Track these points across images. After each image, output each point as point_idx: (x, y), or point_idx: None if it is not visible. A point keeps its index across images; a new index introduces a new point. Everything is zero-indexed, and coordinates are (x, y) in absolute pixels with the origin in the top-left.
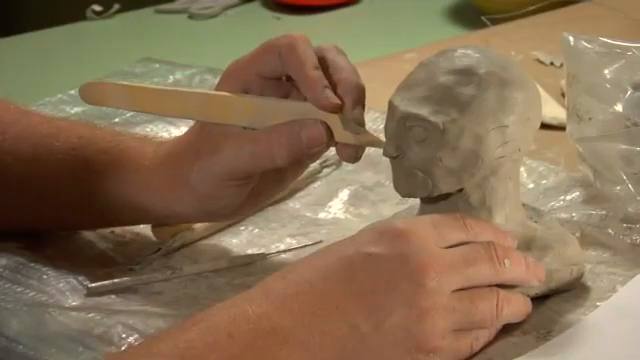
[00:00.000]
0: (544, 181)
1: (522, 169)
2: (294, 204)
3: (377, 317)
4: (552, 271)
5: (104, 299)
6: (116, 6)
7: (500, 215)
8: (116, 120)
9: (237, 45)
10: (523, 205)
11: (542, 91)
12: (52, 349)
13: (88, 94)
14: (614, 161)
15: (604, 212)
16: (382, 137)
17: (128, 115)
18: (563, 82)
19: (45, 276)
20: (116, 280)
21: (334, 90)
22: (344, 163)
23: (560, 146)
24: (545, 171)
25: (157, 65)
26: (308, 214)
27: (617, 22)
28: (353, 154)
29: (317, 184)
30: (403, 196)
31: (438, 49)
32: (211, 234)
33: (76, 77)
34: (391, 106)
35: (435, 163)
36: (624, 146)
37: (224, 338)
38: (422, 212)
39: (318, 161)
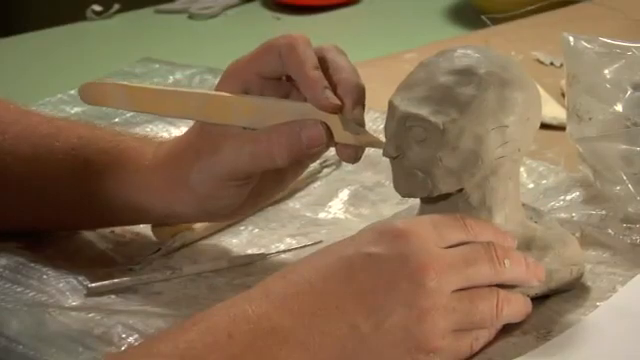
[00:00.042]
0: (544, 181)
1: (522, 169)
2: (294, 204)
3: (377, 317)
4: (552, 271)
5: (104, 299)
6: (116, 6)
7: (500, 215)
8: (116, 120)
9: (237, 45)
10: (523, 205)
11: (542, 91)
12: (52, 349)
13: (88, 94)
14: (614, 161)
15: (604, 212)
16: (382, 137)
17: (128, 115)
18: (563, 82)
19: (45, 276)
20: (116, 280)
21: (334, 90)
22: (344, 163)
23: (560, 146)
24: (545, 171)
25: (157, 65)
26: (308, 214)
27: (617, 22)
28: (353, 154)
29: (317, 184)
30: (403, 196)
31: (438, 49)
32: (211, 234)
33: (76, 77)
34: (391, 106)
35: (435, 163)
36: (624, 146)
37: (224, 338)
38: (422, 212)
39: (318, 161)
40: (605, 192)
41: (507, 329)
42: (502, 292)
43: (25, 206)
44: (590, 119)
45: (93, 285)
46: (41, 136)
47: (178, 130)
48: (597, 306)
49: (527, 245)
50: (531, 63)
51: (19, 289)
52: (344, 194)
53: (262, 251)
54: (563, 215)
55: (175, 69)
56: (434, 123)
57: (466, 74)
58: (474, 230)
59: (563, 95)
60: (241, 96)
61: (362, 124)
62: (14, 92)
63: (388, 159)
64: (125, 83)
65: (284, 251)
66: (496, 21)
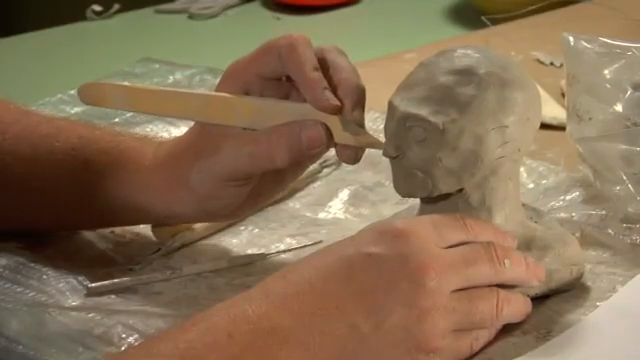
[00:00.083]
0: (544, 181)
1: (522, 169)
2: (294, 204)
3: (377, 317)
4: (552, 271)
5: (104, 299)
6: (116, 6)
7: (500, 215)
8: (116, 120)
9: (237, 45)
10: (523, 205)
11: (542, 91)
12: (52, 349)
13: (87, 95)
14: (614, 161)
15: (604, 212)
16: (382, 137)
17: (128, 115)
18: (563, 82)
19: (45, 276)
20: (116, 280)
21: (334, 91)
22: (344, 163)
23: (560, 146)
24: (545, 171)
25: (157, 65)
26: (308, 214)
27: (617, 22)
28: (353, 155)
29: (317, 184)
30: (403, 196)
31: (438, 49)
32: (211, 234)
33: (76, 77)
34: (391, 106)
35: (435, 163)
36: (624, 146)
37: (224, 338)
38: (422, 212)
39: (318, 161)
40: (605, 192)
41: (507, 329)
42: (502, 292)
43: (25, 206)
44: (590, 119)
45: (93, 285)
46: (41, 136)
47: (178, 130)
48: (597, 306)
49: (527, 245)
50: (531, 63)
51: (19, 289)
52: (344, 194)
53: (262, 251)
54: (563, 215)
55: (175, 69)
56: (434, 123)
57: (466, 74)
58: (474, 230)
59: (563, 95)
60: (241, 97)
61: (362, 125)
62: (14, 92)
63: (388, 159)
64: (124, 84)
65: (284, 251)
66: (496, 21)
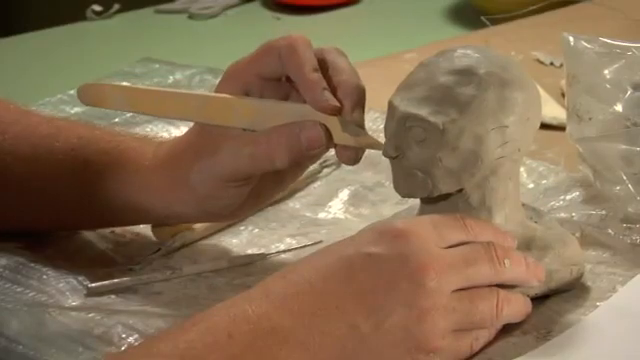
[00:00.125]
0: (544, 181)
1: (522, 169)
2: (294, 204)
3: (377, 317)
4: (552, 271)
5: (104, 299)
6: (116, 6)
7: (500, 215)
8: (116, 120)
9: (237, 45)
10: (523, 205)
11: (542, 91)
12: (52, 349)
13: (86, 95)
14: (614, 161)
15: (604, 212)
16: (382, 137)
17: (128, 115)
18: (563, 82)
19: (45, 276)
20: (116, 280)
21: (334, 92)
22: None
23: (560, 146)
24: (545, 171)
25: (157, 65)
26: (308, 214)
27: (617, 22)
28: (352, 156)
29: (317, 184)
30: (403, 196)
31: (438, 49)
32: (211, 234)
33: (76, 77)
34: (391, 106)
35: (435, 163)
36: (624, 146)
37: (224, 338)
38: (422, 212)
39: (318, 161)
40: (605, 192)
41: (507, 329)
42: (502, 292)
43: (25, 206)
44: (590, 119)
45: (93, 285)
46: (41, 136)
47: (178, 130)
48: (597, 306)
49: (527, 245)
50: (531, 63)
51: (19, 289)
52: (344, 194)
53: (262, 251)
54: (563, 215)
55: (175, 69)
56: (434, 123)
57: (466, 74)
58: (474, 230)
59: (563, 95)
60: (241, 97)
61: (362, 126)
62: (14, 92)
63: (388, 159)
64: (124, 84)
65: (284, 251)
66: (496, 21)
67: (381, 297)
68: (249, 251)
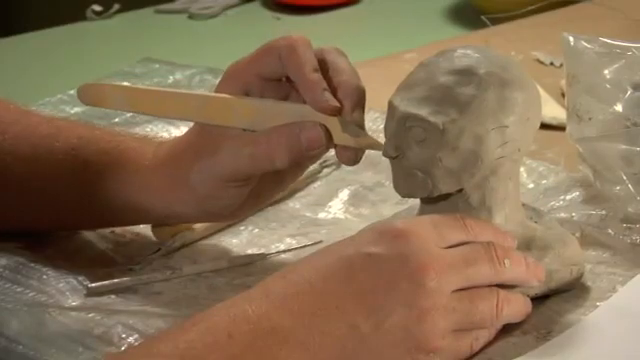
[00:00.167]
0: (544, 181)
1: (522, 169)
2: (294, 204)
3: (377, 317)
4: (552, 271)
5: (104, 299)
6: (116, 6)
7: (500, 215)
8: (116, 120)
9: (237, 45)
10: (523, 205)
11: (542, 91)
12: (52, 349)
13: (86, 95)
14: (614, 161)
15: (604, 212)
16: (382, 137)
17: (128, 115)
18: (563, 82)
19: (45, 276)
20: (116, 280)
21: (334, 93)
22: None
23: (560, 146)
24: (545, 171)
25: (157, 65)
26: (308, 214)
27: (617, 22)
28: (352, 157)
29: (317, 184)
30: (403, 196)
31: (438, 49)
32: (211, 234)
33: (76, 77)
34: (391, 106)
35: (435, 163)
36: (624, 146)
37: (224, 338)
38: (422, 212)
39: (318, 161)
40: (605, 192)
41: (507, 329)
42: (502, 292)
43: (25, 206)
44: (590, 119)
45: (93, 285)
46: (41, 136)
47: (178, 130)
48: (597, 306)
49: (527, 245)
50: (531, 63)
51: (19, 289)
52: (344, 194)
53: (262, 251)
54: (563, 215)
55: (175, 69)
56: (434, 123)
57: (466, 74)
58: (474, 230)
59: (563, 95)
60: (241, 98)
61: (362, 126)
62: (14, 92)
63: (388, 159)
64: (124, 84)
65: (284, 251)
66: (496, 21)
67: (381, 297)
68: (249, 251)
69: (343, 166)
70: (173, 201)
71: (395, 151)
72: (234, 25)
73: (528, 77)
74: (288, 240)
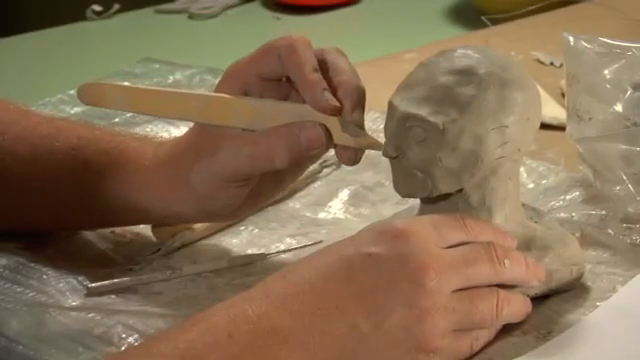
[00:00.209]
0: (544, 181)
1: (522, 169)
2: (294, 204)
3: (377, 317)
4: (552, 271)
5: (104, 299)
6: (116, 6)
7: (500, 215)
8: (116, 120)
9: (237, 45)
10: (523, 205)
11: (542, 91)
12: (52, 349)
13: (86, 95)
14: (614, 161)
15: (604, 212)
16: (382, 137)
17: (128, 115)
18: (563, 82)
19: (45, 276)
20: (116, 280)
21: (334, 93)
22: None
23: (560, 146)
24: (545, 171)
25: (157, 65)
26: (308, 214)
27: (617, 22)
28: (352, 157)
29: (317, 184)
30: (403, 196)
31: (438, 49)
32: (211, 234)
33: (76, 77)
34: (391, 106)
35: (435, 163)
36: (624, 146)
37: (224, 338)
38: (422, 212)
39: (318, 161)
40: (605, 192)
41: (507, 329)
42: (502, 292)
43: (25, 206)
44: (590, 119)
45: (93, 285)
46: (41, 136)
47: (178, 130)
48: (597, 306)
49: (527, 245)
50: (531, 63)
51: (19, 289)
52: (344, 194)
53: (262, 251)
54: (563, 215)
55: (175, 69)
56: (434, 123)
57: (466, 74)
58: (474, 230)
59: (563, 95)
60: (241, 98)
61: (362, 126)
62: (14, 92)
63: (388, 159)
64: (124, 84)
65: (284, 251)
66: (496, 21)
67: (381, 297)
68: (249, 251)
69: (343, 166)
70: (173, 201)
71: (395, 151)
72: (234, 25)
73: (528, 77)
74: (288, 240)
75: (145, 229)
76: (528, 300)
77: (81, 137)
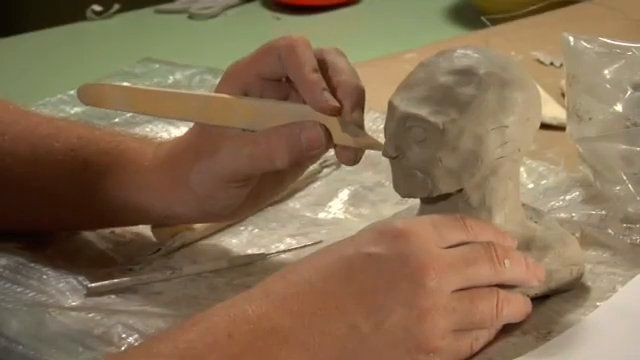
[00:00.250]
0: (544, 181)
1: (522, 169)
2: (294, 204)
3: (377, 317)
4: (552, 271)
5: (104, 299)
6: (116, 6)
7: (500, 215)
8: (116, 120)
9: (237, 45)
10: (523, 205)
11: (542, 91)
12: (52, 349)
13: (86, 95)
14: (614, 161)
15: (604, 212)
16: (382, 137)
17: (128, 115)
18: (563, 82)
19: (45, 276)
20: (116, 280)
21: (333, 93)
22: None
23: (560, 146)
24: (545, 171)
25: (157, 65)
26: (308, 214)
27: (617, 22)
28: (352, 157)
29: (317, 184)
30: (403, 196)
31: (438, 49)
32: (211, 234)
33: (76, 77)
34: (391, 106)
35: (435, 163)
36: (624, 146)
37: (224, 338)
38: (422, 212)
39: (318, 161)
40: (605, 192)
41: (507, 329)
42: (502, 292)
43: (25, 206)
44: (590, 119)
45: (93, 285)
46: (41, 137)
47: (178, 130)
48: (597, 306)
49: (527, 245)
50: (531, 63)
51: (19, 289)
52: (344, 194)
53: (262, 251)
54: (563, 215)
55: (175, 69)
56: (434, 123)
57: (466, 74)
58: (474, 230)
59: (563, 95)
60: (241, 98)
61: (361, 126)
62: (14, 92)
63: (388, 159)
64: (124, 84)
65: (284, 251)
66: (496, 21)
67: (381, 297)
68: (249, 251)
69: (343, 166)
70: (173, 201)
71: (395, 151)
72: (234, 25)
73: (528, 77)
74: (288, 240)
75: (145, 229)
76: (528, 300)
77: (81, 137)
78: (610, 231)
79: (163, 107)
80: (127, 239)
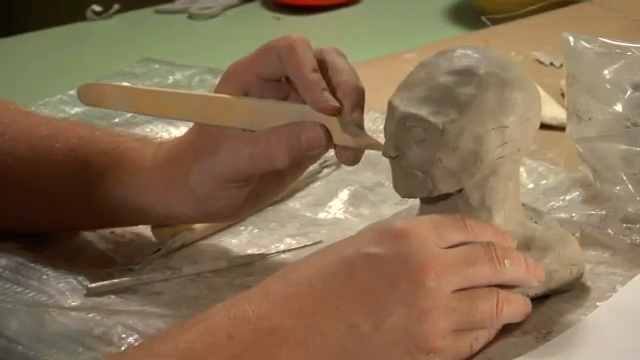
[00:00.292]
0: (544, 181)
1: (522, 169)
2: (294, 204)
3: (377, 317)
4: (552, 271)
5: (104, 299)
6: (116, 6)
7: (500, 215)
8: (116, 120)
9: (237, 45)
10: (523, 205)
11: (542, 91)
12: (52, 349)
13: (86, 95)
14: (614, 161)
15: (604, 212)
16: (382, 137)
17: (128, 115)
18: (563, 82)
19: (45, 276)
20: (116, 280)
21: (333, 93)
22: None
23: (560, 146)
24: (545, 171)
25: (157, 65)
26: (308, 214)
27: (617, 22)
28: (352, 157)
29: (317, 184)
30: (403, 196)
31: (438, 49)
32: (211, 234)
33: (76, 77)
34: (391, 106)
35: (435, 163)
36: (624, 146)
37: (224, 338)
38: (422, 212)
39: (318, 161)
40: (605, 192)
41: (507, 329)
42: (502, 292)
43: (25, 206)
44: (590, 119)
45: (93, 285)
46: (41, 137)
47: (178, 130)
48: (597, 306)
49: (527, 245)
50: (531, 63)
51: (19, 289)
52: (344, 194)
53: (262, 251)
54: (563, 215)
55: (175, 69)
56: (434, 123)
57: (466, 74)
58: (474, 230)
59: (563, 95)
60: (240, 98)
61: (361, 126)
62: (14, 92)
63: (388, 159)
64: (124, 84)
65: (284, 251)
66: (496, 21)
67: (381, 297)
68: (249, 251)
69: (343, 166)
70: (173, 202)
71: (395, 151)
72: (234, 25)
73: (528, 77)
74: (288, 240)
75: (145, 229)
76: (528, 300)
77: (81, 138)
78: (610, 231)
79: (163, 107)
80: (127, 239)
